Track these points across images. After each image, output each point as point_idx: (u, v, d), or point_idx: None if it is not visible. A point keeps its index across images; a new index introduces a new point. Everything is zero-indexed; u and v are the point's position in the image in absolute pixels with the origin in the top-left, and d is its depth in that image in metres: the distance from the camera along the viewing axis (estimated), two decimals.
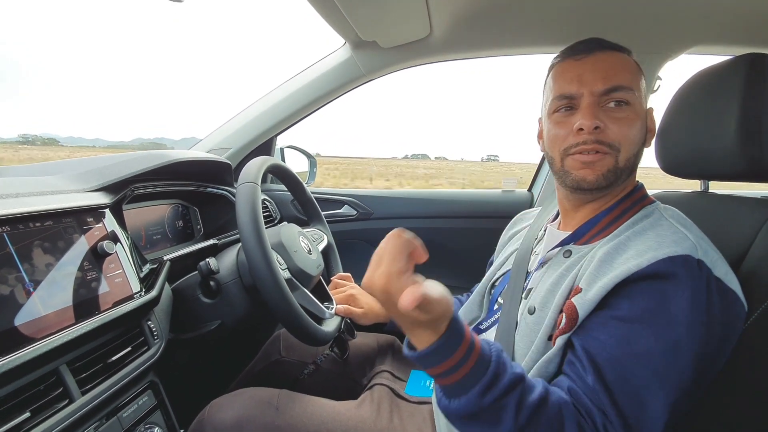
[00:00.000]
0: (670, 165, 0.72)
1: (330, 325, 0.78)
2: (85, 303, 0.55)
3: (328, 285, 0.93)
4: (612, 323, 0.49)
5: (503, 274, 0.75)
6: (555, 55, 0.64)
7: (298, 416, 0.66)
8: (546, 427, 0.45)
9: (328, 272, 0.99)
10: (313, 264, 0.82)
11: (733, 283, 0.50)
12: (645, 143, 0.60)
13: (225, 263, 0.77)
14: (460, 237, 1.40)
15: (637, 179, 0.63)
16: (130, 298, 0.61)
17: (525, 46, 1.09)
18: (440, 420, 0.71)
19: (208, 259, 0.73)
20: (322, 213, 1.05)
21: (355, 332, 0.93)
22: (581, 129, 0.56)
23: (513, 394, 0.44)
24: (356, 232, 1.41)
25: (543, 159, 1.40)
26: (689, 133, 0.66)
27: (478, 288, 0.80)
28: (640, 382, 0.46)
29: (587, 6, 0.92)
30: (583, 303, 0.51)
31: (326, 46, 1.19)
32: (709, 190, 0.75)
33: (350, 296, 0.90)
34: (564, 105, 0.59)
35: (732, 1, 0.84)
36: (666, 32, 1.01)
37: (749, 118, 0.58)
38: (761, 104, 0.57)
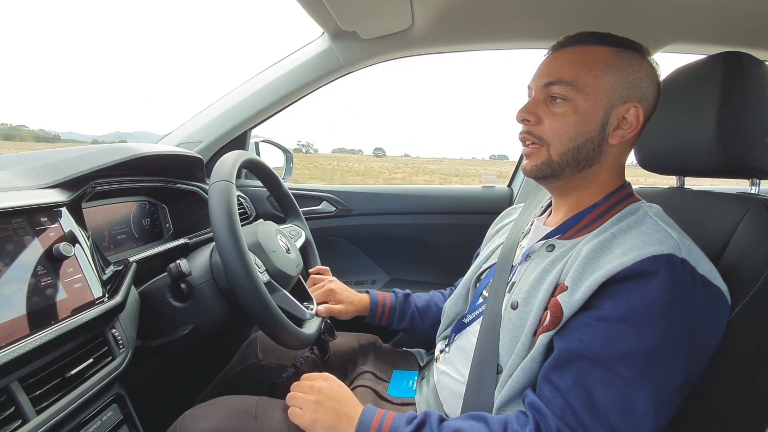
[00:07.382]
0: (648, 160, 0.73)
1: (311, 327, 0.76)
2: (39, 312, 0.49)
3: (306, 283, 0.90)
4: (596, 323, 0.49)
5: (489, 267, 0.75)
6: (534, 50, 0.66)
7: (278, 425, 0.63)
8: None
9: (306, 270, 0.96)
10: (292, 264, 0.79)
11: (717, 279, 0.51)
12: (604, 139, 0.58)
13: (197, 264, 0.72)
14: (440, 233, 1.40)
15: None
16: (92, 304, 0.56)
17: (507, 41, 1.09)
18: None
19: (178, 261, 0.68)
20: (300, 210, 1.02)
21: (336, 332, 0.90)
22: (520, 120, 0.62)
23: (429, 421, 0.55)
24: (335, 229, 1.38)
25: (521, 155, 1.41)
26: (667, 130, 0.66)
27: (464, 281, 0.80)
28: (625, 382, 0.46)
29: (567, 2, 0.92)
30: (569, 303, 0.51)
31: (304, 36, 1.15)
32: (685, 186, 0.76)
33: (329, 291, 0.88)
34: (528, 96, 0.63)
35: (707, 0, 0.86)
36: (641, 30, 1.02)
37: (727, 115, 0.59)
38: (739, 101, 0.58)
